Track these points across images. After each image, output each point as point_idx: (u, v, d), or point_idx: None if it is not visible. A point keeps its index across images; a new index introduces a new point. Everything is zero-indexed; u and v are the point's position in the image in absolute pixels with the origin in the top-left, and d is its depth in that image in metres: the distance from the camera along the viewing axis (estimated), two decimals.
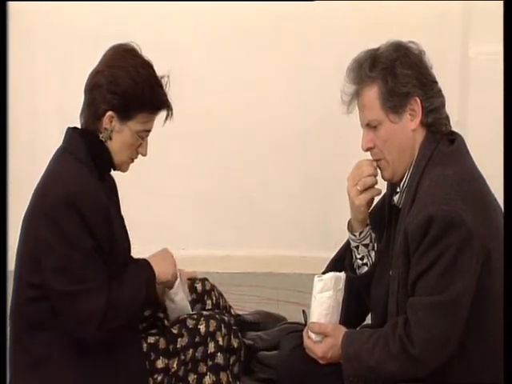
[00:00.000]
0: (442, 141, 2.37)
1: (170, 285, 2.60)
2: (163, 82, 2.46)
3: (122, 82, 2.37)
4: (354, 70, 2.39)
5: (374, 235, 2.56)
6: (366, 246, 2.56)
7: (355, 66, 2.39)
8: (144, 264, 2.51)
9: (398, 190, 2.42)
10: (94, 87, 2.40)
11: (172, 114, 2.48)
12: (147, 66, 2.42)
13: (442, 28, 3.73)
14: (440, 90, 2.39)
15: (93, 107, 2.41)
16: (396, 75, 2.33)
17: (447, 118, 2.40)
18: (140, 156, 2.57)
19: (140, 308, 2.51)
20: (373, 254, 2.55)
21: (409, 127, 2.36)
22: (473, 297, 2.25)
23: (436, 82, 2.39)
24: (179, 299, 2.72)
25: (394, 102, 2.33)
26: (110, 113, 2.38)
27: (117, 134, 2.42)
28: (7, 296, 2.44)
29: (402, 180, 2.40)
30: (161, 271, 2.50)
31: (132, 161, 2.50)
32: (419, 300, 2.25)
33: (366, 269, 2.55)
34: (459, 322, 2.25)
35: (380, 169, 2.44)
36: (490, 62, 3.82)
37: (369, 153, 2.45)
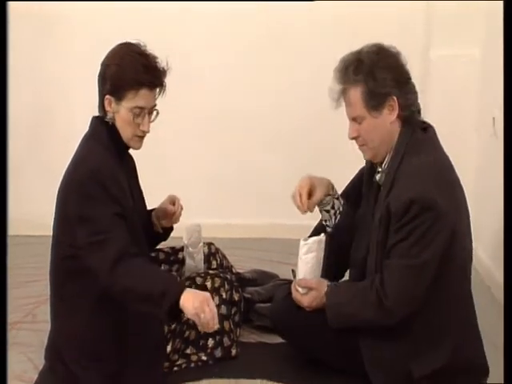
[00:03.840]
0: (416, 129, 2.53)
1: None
2: (160, 63, 2.60)
3: (109, 69, 2.57)
4: (340, 71, 2.53)
5: (337, 203, 2.76)
6: (327, 211, 2.77)
7: (342, 67, 2.53)
8: (172, 283, 2.47)
9: (380, 170, 2.59)
10: (98, 80, 2.63)
11: (164, 91, 2.62)
12: (134, 53, 2.58)
13: (406, 34, 3.81)
14: (414, 86, 2.55)
15: (99, 96, 2.63)
16: (376, 79, 2.47)
17: (419, 110, 2.58)
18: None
19: (133, 299, 2.45)
20: (333, 218, 2.76)
21: (387, 120, 2.52)
22: (438, 262, 2.44)
23: (410, 79, 2.54)
24: (199, 259, 2.95)
25: (375, 102, 2.49)
26: (107, 97, 2.59)
27: (117, 115, 2.59)
28: (7, 287, 2.51)
29: (382, 162, 2.58)
30: (186, 305, 2.39)
31: (138, 138, 2.62)
32: (395, 262, 2.45)
33: (328, 229, 2.77)
34: (425, 282, 2.45)
35: (363, 151, 2.60)
36: (448, 65, 3.94)
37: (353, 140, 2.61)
